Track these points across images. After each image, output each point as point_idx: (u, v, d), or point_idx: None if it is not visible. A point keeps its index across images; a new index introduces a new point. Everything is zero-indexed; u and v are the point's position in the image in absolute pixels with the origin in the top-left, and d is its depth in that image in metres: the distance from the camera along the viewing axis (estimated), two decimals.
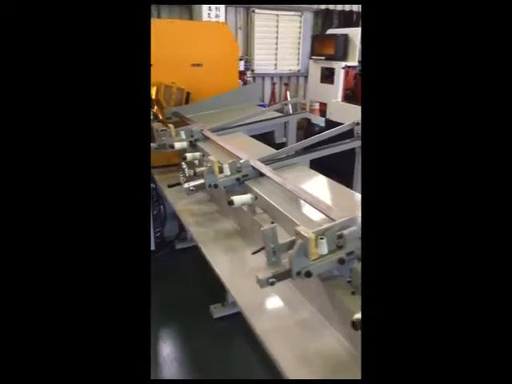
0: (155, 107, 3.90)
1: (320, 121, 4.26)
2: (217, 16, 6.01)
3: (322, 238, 1.19)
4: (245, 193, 1.87)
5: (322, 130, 2.59)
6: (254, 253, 1.20)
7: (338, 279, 1.24)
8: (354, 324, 0.95)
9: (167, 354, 2.29)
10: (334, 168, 2.78)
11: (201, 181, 1.88)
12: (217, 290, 1.52)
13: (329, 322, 1.24)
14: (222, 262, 1.60)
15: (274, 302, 1.34)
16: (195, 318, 2.53)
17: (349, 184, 2.38)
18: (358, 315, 0.94)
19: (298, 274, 1.15)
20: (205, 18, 5.98)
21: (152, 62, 3.53)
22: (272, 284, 1.14)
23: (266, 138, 3.22)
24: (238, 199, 1.67)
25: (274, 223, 1.64)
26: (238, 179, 1.92)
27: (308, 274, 1.16)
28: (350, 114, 3.85)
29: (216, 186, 1.89)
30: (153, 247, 2.68)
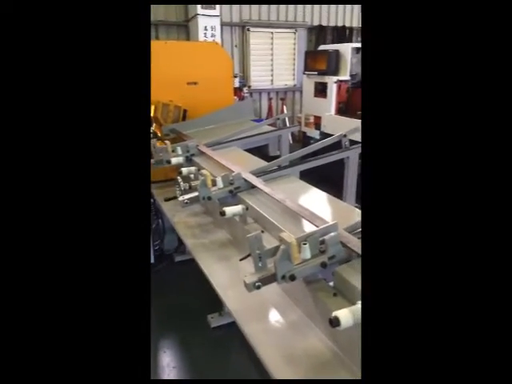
0: (154, 124, 4.05)
1: (315, 134, 4.38)
2: (213, 35, 6.22)
3: (304, 244, 1.27)
4: (237, 204, 1.96)
5: (317, 142, 2.70)
6: (242, 259, 1.29)
7: (321, 282, 1.32)
8: (331, 321, 1.02)
9: (167, 362, 2.35)
10: (324, 177, 2.87)
11: (195, 194, 1.98)
12: (215, 300, 1.60)
13: (314, 323, 1.32)
14: (215, 271, 1.68)
15: (263, 306, 1.42)
16: (194, 327, 2.59)
17: (339, 192, 2.47)
18: (336, 312, 1.02)
19: (283, 277, 1.24)
20: (201, 37, 6.19)
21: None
22: (258, 288, 1.22)
23: (260, 151, 3.34)
24: (229, 210, 1.76)
25: (263, 232, 1.74)
26: (230, 191, 2.01)
27: (292, 278, 1.24)
28: (343, 126, 3.96)
29: (209, 198, 1.98)
30: (152, 260, 2.76)
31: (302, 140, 6.36)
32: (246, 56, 7.73)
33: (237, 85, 6.98)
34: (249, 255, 1.25)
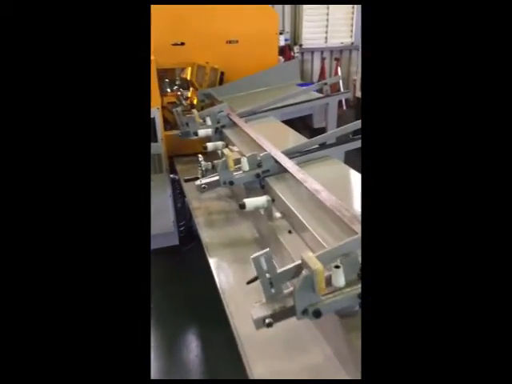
0: (191, 89, 3.73)
1: None
2: None
3: (337, 267, 0.92)
4: (267, 191, 1.63)
5: None
6: (249, 282, 0.97)
7: (358, 317, 0.97)
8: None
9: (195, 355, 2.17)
10: None
11: (215, 177, 1.66)
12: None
13: (345, 370, 0.99)
14: (228, 277, 1.39)
15: (280, 337, 1.10)
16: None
17: None
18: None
19: (304, 312, 0.91)
20: None
21: (184, 40, 3.36)
22: (269, 325, 0.91)
23: (304, 121, 2.92)
24: (250, 202, 1.43)
25: (290, 232, 1.40)
26: (257, 175, 1.67)
27: (317, 314, 0.90)
28: None
29: (231, 183, 1.66)
30: (176, 242, 2.55)
31: (355, 106, 5.74)
32: (297, 11, 6.99)
33: (282, 43, 6.38)
34: (257, 278, 0.92)
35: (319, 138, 1.83)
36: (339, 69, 7.41)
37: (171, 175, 2.52)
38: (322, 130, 2.81)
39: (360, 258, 0.94)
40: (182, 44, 3.25)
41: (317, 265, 0.85)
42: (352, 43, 7.50)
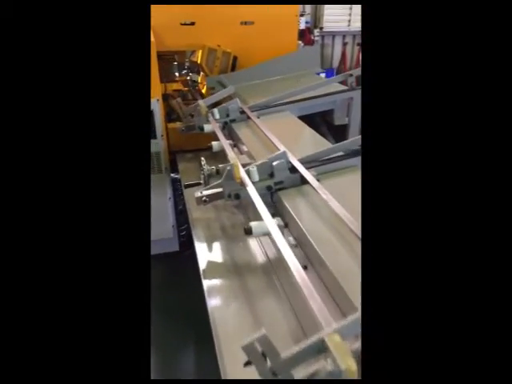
0: (201, 74, 3.43)
1: None
2: None
3: None
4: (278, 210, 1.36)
5: None
6: (245, 365, 0.70)
7: None
8: None
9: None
10: None
11: (218, 189, 1.40)
12: None
13: None
14: (226, 320, 1.13)
15: None
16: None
17: None
18: None
19: None
20: None
21: (195, 19, 3.04)
22: None
23: (324, 117, 2.60)
24: (258, 228, 1.16)
25: (306, 268, 1.13)
26: (269, 188, 1.40)
27: None
28: None
29: (238, 196, 1.40)
30: (176, 248, 2.30)
31: None
32: None
33: (302, 26, 5.96)
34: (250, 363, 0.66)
35: (345, 144, 1.54)
36: (361, 55, 6.98)
37: (172, 174, 2.26)
38: (344, 128, 2.51)
39: None
40: (192, 24, 2.94)
41: (349, 363, 0.58)
42: None
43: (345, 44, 6.96)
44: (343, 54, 6.97)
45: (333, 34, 6.88)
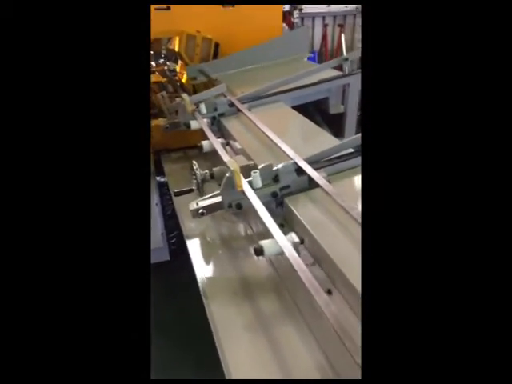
0: (179, 62, 3.18)
1: None
2: None
3: None
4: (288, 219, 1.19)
5: None
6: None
7: None
8: None
9: None
10: None
11: (216, 199, 1.21)
12: None
13: None
14: (236, 356, 0.96)
15: None
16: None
17: None
18: None
19: None
20: None
21: (171, 4, 2.79)
22: None
23: (317, 105, 2.42)
24: (270, 248, 0.98)
25: (330, 292, 0.97)
26: (274, 194, 1.23)
27: None
28: None
29: (239, 206, 1.22)
30: (166, 257, 2.11)
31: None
32: None
33: (286, 8, 5.72)
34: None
35: (355, 139, 1.37)
36: (343, 36, 6.79)
37: (157, 177, 2.04)
38: (340, 117, 2.34)
39: None
40: (168, 9, 2.69)
41: None
42: (357, 8, 6.81)
43: (325, 26, 6.75)
44: (324, 36, 6.76)
45: (312, 16, 6.65)
